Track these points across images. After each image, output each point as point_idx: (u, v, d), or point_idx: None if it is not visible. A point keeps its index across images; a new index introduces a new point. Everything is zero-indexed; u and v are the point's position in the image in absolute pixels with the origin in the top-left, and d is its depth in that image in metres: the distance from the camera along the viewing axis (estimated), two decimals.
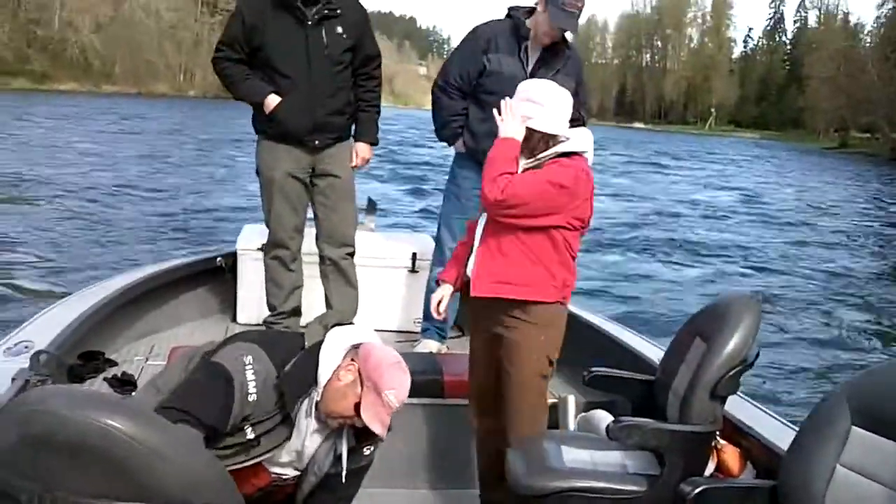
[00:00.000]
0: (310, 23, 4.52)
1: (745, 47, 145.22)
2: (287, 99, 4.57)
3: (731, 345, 3.21)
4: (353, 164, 4.85)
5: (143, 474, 2.24)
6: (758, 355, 3.31)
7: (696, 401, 3.22)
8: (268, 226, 4.86)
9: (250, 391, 2.67)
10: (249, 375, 2.69)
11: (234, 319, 5.24)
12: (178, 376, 2.80)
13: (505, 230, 3.40)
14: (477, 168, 4.54)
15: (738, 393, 3.42)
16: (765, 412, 3.69)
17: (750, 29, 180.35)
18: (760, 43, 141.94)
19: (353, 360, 2.79)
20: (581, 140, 3.45)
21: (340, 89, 4.68)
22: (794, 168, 50.81)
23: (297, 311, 4.93)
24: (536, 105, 3.38)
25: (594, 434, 3.73)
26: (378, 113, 4.93)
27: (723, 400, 3.26)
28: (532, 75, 4.47)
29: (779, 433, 3.35)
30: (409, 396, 3.98)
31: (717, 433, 3.35)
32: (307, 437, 2.82)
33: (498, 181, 3.30)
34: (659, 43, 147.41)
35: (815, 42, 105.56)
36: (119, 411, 2.23)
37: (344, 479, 2.88)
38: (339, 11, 4.57)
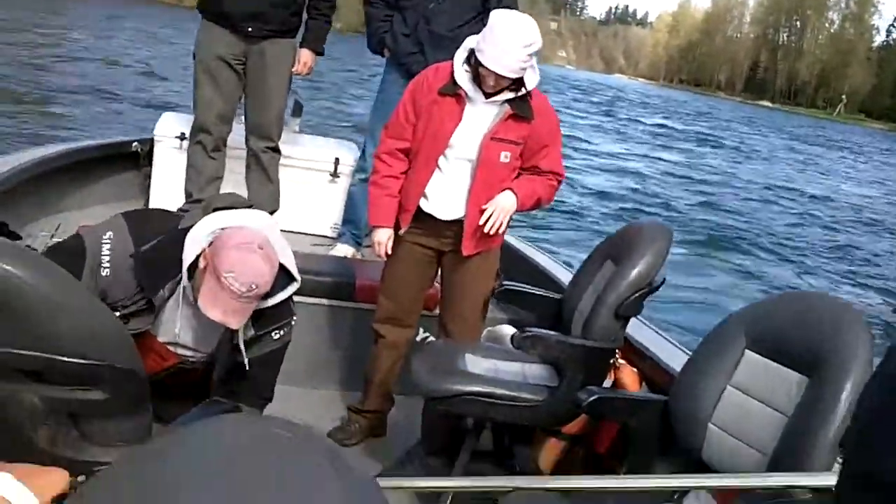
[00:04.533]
0: None
1: (887, 37, 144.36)
2: None
3: (639, 268, 3.32)
4: (295, 68, 4.85)
5: (38, 322, 2.21)
6: (664, 281, 3.42)
7: (600, 319, 3.34)
8: (194, 109, 4.82)
9: (103, 264, 2.58)
10: (105, 250, 2.58)
11: (146, 205, 5.15)
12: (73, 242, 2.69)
13: (495, 177, 3.48)
14: (401, 73, 4.67)
15: (640, 316, 3.56)
16: (663, 337, 3.84)
17: (895, 18, 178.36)
18: None
19: (209, 244, 2.59)
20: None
21: None
22: None
23: None
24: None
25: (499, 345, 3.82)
26: (329, 23, 4.92)
27: (625, 321, 3.39)
28: None
29: (675, 356, 3.50)
30: (320, 297, 4.15)
31: (617, 352, 3.48)
32: (190, 323, 2.72)
33: (553, 189, 3.60)
34: (798, 23, 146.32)
35: None
36: (17, 257, 2.18)
37: (251, 367, 2.77)
38: None
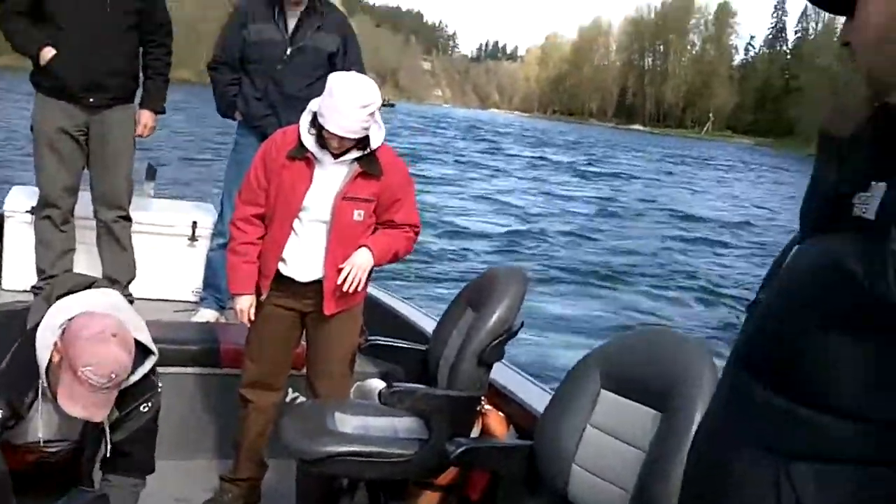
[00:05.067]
0: None
1: (745, 55, 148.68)
2: (62, 53, 4.50)
3: (497, 314, 3.38)
4: (137, 132, 4.80)
5: None
6: (522, 325, 3.49)
7: (464, 367, 3.38)
8: (38, 184, 4.72)
9: None
10: None
11: None
12: None
13: (350, 236, 3.50)
14: (255, 135, 4.73)
15: (503, 360, 3.60)
16: (527, 378, 3.90)
17: (752, 37, 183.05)
18: (761, 52, 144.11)
19: (60, 338, 2.57)
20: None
21: (121, 50, 4.64)
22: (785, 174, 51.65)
23: None
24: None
25: (366, 401, 3.83)
26: (166, 82, 4.91)
27: (488, 367, 3.44)
28: (293, 38, 4.68)
29: (539, 398, 3.55)
30: (185, 365, 4.08)
31: (483, 398, 3.52)
32: (52, 419, 2.70)
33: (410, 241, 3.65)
34: (661, 47, 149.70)
35: (813, 53, 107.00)
36: None
37: (125, 445, 2.81)
38: None
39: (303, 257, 3.54)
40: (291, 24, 4.71)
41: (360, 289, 3.57)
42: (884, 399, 1.06)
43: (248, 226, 3.57)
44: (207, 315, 4.91)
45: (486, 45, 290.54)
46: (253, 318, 3.62)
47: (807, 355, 1.12)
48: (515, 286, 3.47)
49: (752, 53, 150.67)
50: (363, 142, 3.42)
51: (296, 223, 3.51)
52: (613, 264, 15.42)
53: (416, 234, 3.69)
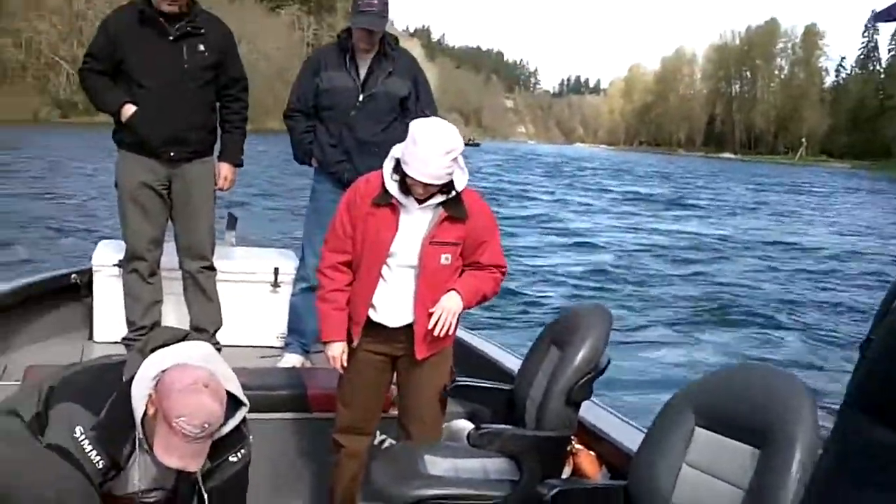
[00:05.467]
0: (171, 38, 4.60)
1: (836, 77, 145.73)
2: (142, 109, 4.61)
3: (584, 353, 3.35)
4: (217, 185, 4.89)
5: (8, 495, 2.31)
6: (609, 363, 3.46)
7: (552, 407, 3.35)
8: (125, 239, 4.82)
9: (95, 461, 2.66)
10: (87, 447, 2.65)
11: (90, 337, 5.12)
12: (31, 399, 2.80)
13: (438, 280, 3.52)
14: (331, 181, 4.81)
15: (592, 399, 3.55)
16: (617, 416, 3.83)
17: (842, 58, 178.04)
18: (853, 72, 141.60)
19: (155, 389, 2.66)
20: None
21: (199, 105, 4.74)
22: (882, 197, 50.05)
23: (156, 327, 4.83)
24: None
25: (455, 443, 3.81)
26: (243, 135, 4.99)
27: (577, 406, 3.40)
28: (364, 84, 4.73)
29: (630, 436, 3.48)
30: (274, 412, 4.09)
31: (573, 438, 3.47)
32: (149, 469, 2.76)
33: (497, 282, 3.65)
34: (748, 73, 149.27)
35: None
36: None
37: (215, 496, 2.84)
38: (202, 31, 4.67)
39: (392, 303, 3.56)
40: (363, 70, 4.76)
41: (450, 332, 3.58)
42: None
43: (336, 273, 3.60)
44: (293, 360, 4.93)
45: (569, 79, 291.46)
46: (345, 364, 3.64)
47: None
48: (600, 324, 3.45)
49: (843, 74, 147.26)
50: (447, 186, 3.43)
51: (384, 269, 3.53)
52: (709, 300, 14.98)
53: (503, 274, 3.68)
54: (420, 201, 3.45)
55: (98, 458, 2.66)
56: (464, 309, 3.58)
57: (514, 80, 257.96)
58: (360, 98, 4.73)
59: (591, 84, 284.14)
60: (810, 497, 1.29)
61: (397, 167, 3.42)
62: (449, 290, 3.53)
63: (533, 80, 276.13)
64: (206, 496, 2.82)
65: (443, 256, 3.49)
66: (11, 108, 64.62)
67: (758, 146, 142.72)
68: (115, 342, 4.87)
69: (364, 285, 3.56)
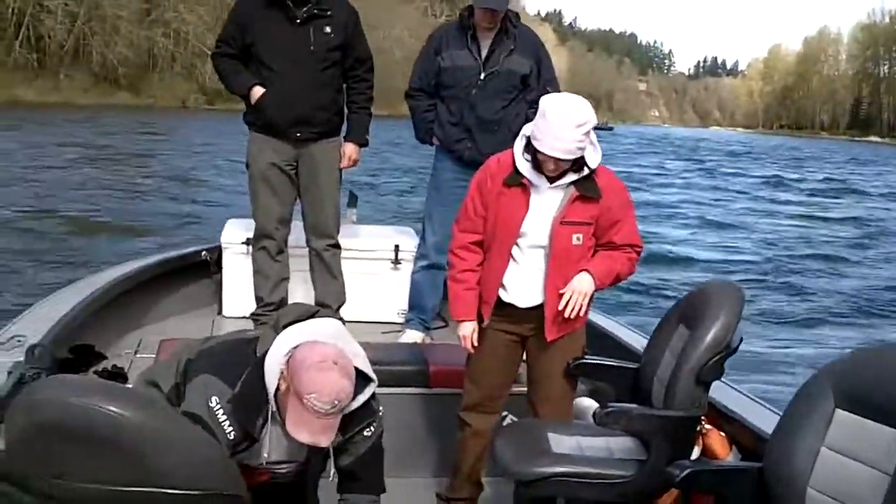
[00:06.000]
0: (298, 21, 4.66)
1: None
2: (271, 91, 4.69)
3: (714, 331, 3.25)
4: (342, 164, 4.94)
5: (150, 460, 2.39)
6: (741, 341, 3.35)
7: (681, 386, 3.27)
8: (254, 217, 4.94)
9: (227, 431, 2.73)
10: (221, 417, 2.72)
11: (220, 312, 5.27)
12: (169, 370, 2.93)
13: (570, 260, 3.47)
14: (453, 159, 4.85)
15: (723, 378, 3.44)
16: (749, 397, 3.72)
17: None
18: None
19: (286, 365, 2.71)
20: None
21: (326, 86, 4.78)
22: None
23: (284, 303, 4.94)
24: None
25: (581, 421, 3.79)
26: (369, 115, 5.03)
27: (707, 385, 3.31)
28: (486, 62, 4.72)
29: (763, 417, 3.39)
30: (396, 386, 4.10)
31: (703, 418, 3.40)
32: (280, 441, 2.82)
33: (632, 262, 3.58)
34: None
35: None
36: (124, 398, 2.37)
37: (354, 468, 2.92)
38: (329, 12, 4.72)
39: (523, 283, 3.54)
40: (484, 48, 4.75)
41: (581, 314, 3.52)
42: None
43: (467, 253, 3.59)
44: (414, 336, 4.98)
45: (704, 61, 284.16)
46: (476, 343, 3.63)
47: None
48: (732, 301, 3.34)
49: None
50: (579, 164, 3.36)
51: (514, 250, 3.51)
52: (852, 290, 14.39)
53: (639, 253, 3.61)
54: (551, 180, 3.40)
55: (231, 428, 2.73)
56: (596, 290, 3.51)
57: (648, 63, 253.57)
58: (482, 76, 4.73)
59: (729, 65, 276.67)
60: None
61: (528, 146, 3.37)
62: (581, 271, 3.46)
63: (667, 62, 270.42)
64: (334, 469, 2.90)
65: (574, 237, 3.44)
66: (162, 95, 68.29)
67: None
68: (244, 317, 5.00)
69: (494, 265, 3.54)
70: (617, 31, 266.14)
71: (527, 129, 3.40)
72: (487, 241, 3.54)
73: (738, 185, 35.23)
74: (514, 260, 3.51)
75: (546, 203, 3.43)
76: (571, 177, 3.38)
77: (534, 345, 3.64)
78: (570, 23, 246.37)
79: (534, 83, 4.76)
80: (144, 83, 70.29)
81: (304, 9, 4.66)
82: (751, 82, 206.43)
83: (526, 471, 3.22)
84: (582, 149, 3.30)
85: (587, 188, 3.40)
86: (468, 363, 3.75)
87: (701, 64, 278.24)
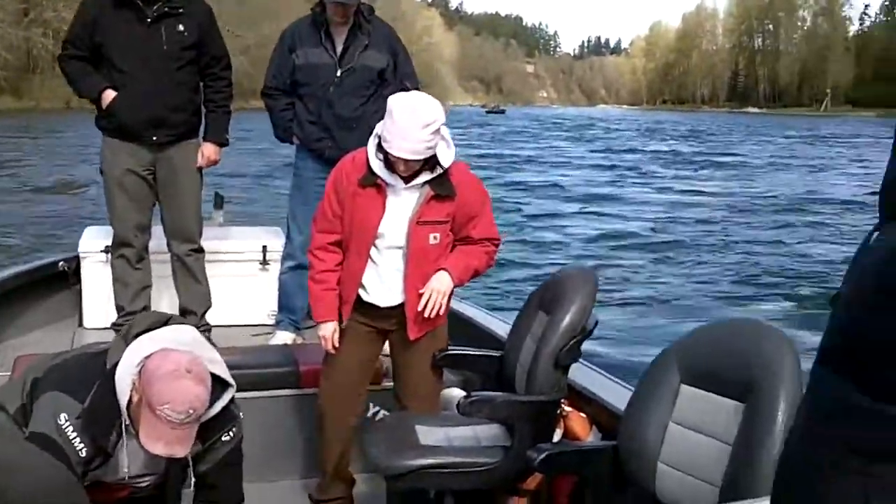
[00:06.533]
0: (149, 20, 4.52)
1: (860, 25, 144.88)
2: (123, 94, 4.55)
3: (570, 315, 3.33)
4: (199, 164, 4.82)
5: None
6: (597, 324, 3.43)
7: (541, 371, 3.33)
8: (111, 225, 4.78)
9: (78, 448, 2.66)
10: (71, 434, 2.65)
11: (81, 324, 5.11)
12: (15, 391, 2.83)
13: (428, 259, 3.47)
14: (313, 158, 4.79)
15: (581, 360, 3.53)
16: (606, 377, 3.79)
17: (866, 6, 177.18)
18: (878, 20, 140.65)
19: (138, 376, 2.65)
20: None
21: (181, 86, 4.65)
22: None
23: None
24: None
25: (449, 411, 3.81)
26: (228, 114, 4.92)
27: (566, 369, 3.38)
28: (342, 59, 4.67)
29: (620, 396, 3.44)
30: (268, 389, 4.06)
31: (563, 400, 3.46)
32: (137, 455, 2.76)
33: (490, 255, 3.61)
34: (771, 26, 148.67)
35: None
36: None
37: (211, 476, 2.88)
38: (181, 10, 4.58)
39: (382, 284, 3.55)
40: (339, 44, 4.70)
41: (441, 312, 3.54)
42: None
43: (325, 253, 3.57)
44: (284, 337, 4.91)
45: (589, 41, 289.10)
46: (337, 343, 3.61)
47: (886, 351, 1.04)
48: (585, 286, 3.42)
49: (867, 23, 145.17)
50: (432, 163, 3.35)
51: (372, 251, 3.50)
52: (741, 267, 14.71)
53: (497, 246, 3.64)
54: (406, 180, 3.38)
55: (82, 445, 2.66)
56: (455, 286, 3.54)
57: (534, 45, 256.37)
58: (338, 74, 4.68)
59: (612, 44, 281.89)
60: (784, 455, 1.27)
61: (380, 145, 3.34)
62: (439, 270, 3.48)
63: (553, 43, 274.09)
64: (193, 479, 2.85)
65: (431, 236, 3.44)
66: (45, 97, 65.86)
67: (782, 99, 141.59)
68: (106, 328, 4.82)
69: (353, 266, 3.53)
70: (503, 14, 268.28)
71: (379, 128, 3.37)
72: (345, 242, 3.53)
73: (630, 163, 35.97)
74: (373, 260, 3.51)
75: (402, 203, 3.43)
76: (426, 176, 3.37)
77: (397, 342, 3.65)
78: (457, 7, 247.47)
79: (391, 78, 4.73)
80: (26, 85, 68.06)
81: (155, 7, 4.51)
82: (634, 60, 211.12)
83: (395, 464, 3.24)
84: (431, 148, 3.28)
85: (442, 187, 3.39)
86: (326, 361, 3.73)
87: (585, 44, 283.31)
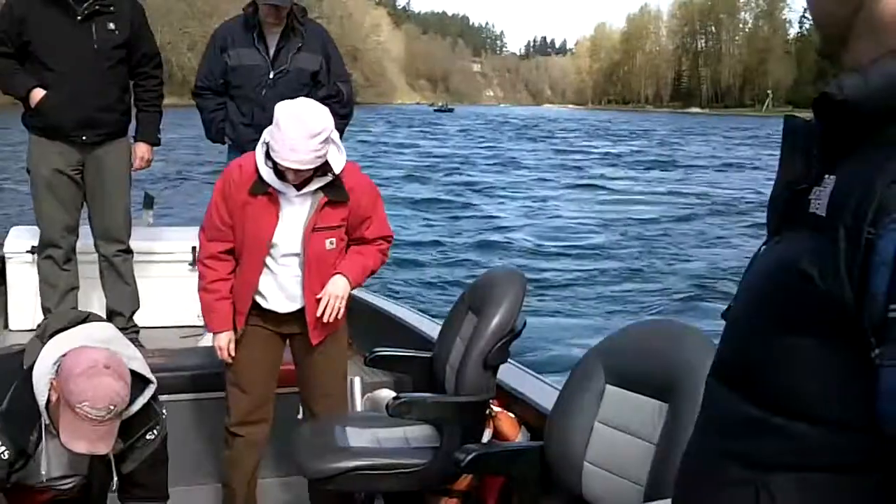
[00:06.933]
0: (79, 17, 4.44)
1: (800, 28, 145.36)
2: (52, 93, 4.46)
3: (499, 316, 3.33)
4: (135, 166, 4.76)
5: None
6: (525, 325, 3.43)
7: (470, 372, 3.33)
8: (38, 225, 4.69)
9: (0, 451, 2.64)
10: None
11: (6, 326, 5.00)
12: None
13: (325, 265, 3.43)
14: None
15: (511, 361, 3.55)
16: (535, 377, 3.80)
17: (806, 9, 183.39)
18: None
19: (56, 375, 2.62)
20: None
21: (111, 85, 4.58)
22: None
23: None
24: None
25: (379, 413, 3.77)
26: (159, 113, 4.86)
27: (494, 369, 3.38)
28: (274, 61, 4.63)
29: (549, 396, 3.40)
30: (195, 391, 3.99)
31: (492, 401, 3.45)
32: (59, 456, 2.74)
33: (383, 253, 3.60)
34: (713, 28, 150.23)
35: None
36: None
37: (136, 475, 2.86)
38: (111, 8, 4.51)
39: (281, 291, 3.49)
40: (272, 46, 4.66)
41: (340, 316, 3.50)
42: (853, 403, 0.98)
43: (216, 262, 3.48)
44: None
45: (535, 41, 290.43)
46: (234, 354, 3.54)
47: (773, 362, 1.05)
48: (514, 287, 3.43)
49: (807, 25, 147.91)
50: (323, 169, 3.28)
51: (268, 259, 3.44)
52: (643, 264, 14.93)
53: (390, 242, 3.63)
54: (297, 187, 3.31)
55: (3, 447, 2.63)
56: (352, 288, 3.52)
57: (481, 44, 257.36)
58: (271, 75, 4.64)
59: (558, 45, 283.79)
60: (682, 467, 1.27)
61: (269, 153, 3.25)
62: (335, 274, 3.45)
63: (499, 42, 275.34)
64: (117, 477, 2.83)
65: (327, 241, 3.41)
66: None
67: (724, 100, 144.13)
68: (32, 330, 4.66)
69: (247, 277, 3.46)
70: (450, 13, 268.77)
71: (266, 136, 3.28)
72: (238, 251, 3.45)
73: (576, 162, 36.28)
74: (269, 269, 3.44)
75: (295, 212, 3.36)
76: (318, 183, 3.31)
77: (300, 347, 3.61)
78: (404, 6, 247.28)
79: (324, 79, 4.70)
80: None
81: (85, 5, 4.43)
82: (579, 60, 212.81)
83: (321, 468, 3.23)
84: (321, 157, 3.20)
85: (335, 193, 3.34)
86: (228, 373, 3.61)
87: (531, 44, 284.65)
